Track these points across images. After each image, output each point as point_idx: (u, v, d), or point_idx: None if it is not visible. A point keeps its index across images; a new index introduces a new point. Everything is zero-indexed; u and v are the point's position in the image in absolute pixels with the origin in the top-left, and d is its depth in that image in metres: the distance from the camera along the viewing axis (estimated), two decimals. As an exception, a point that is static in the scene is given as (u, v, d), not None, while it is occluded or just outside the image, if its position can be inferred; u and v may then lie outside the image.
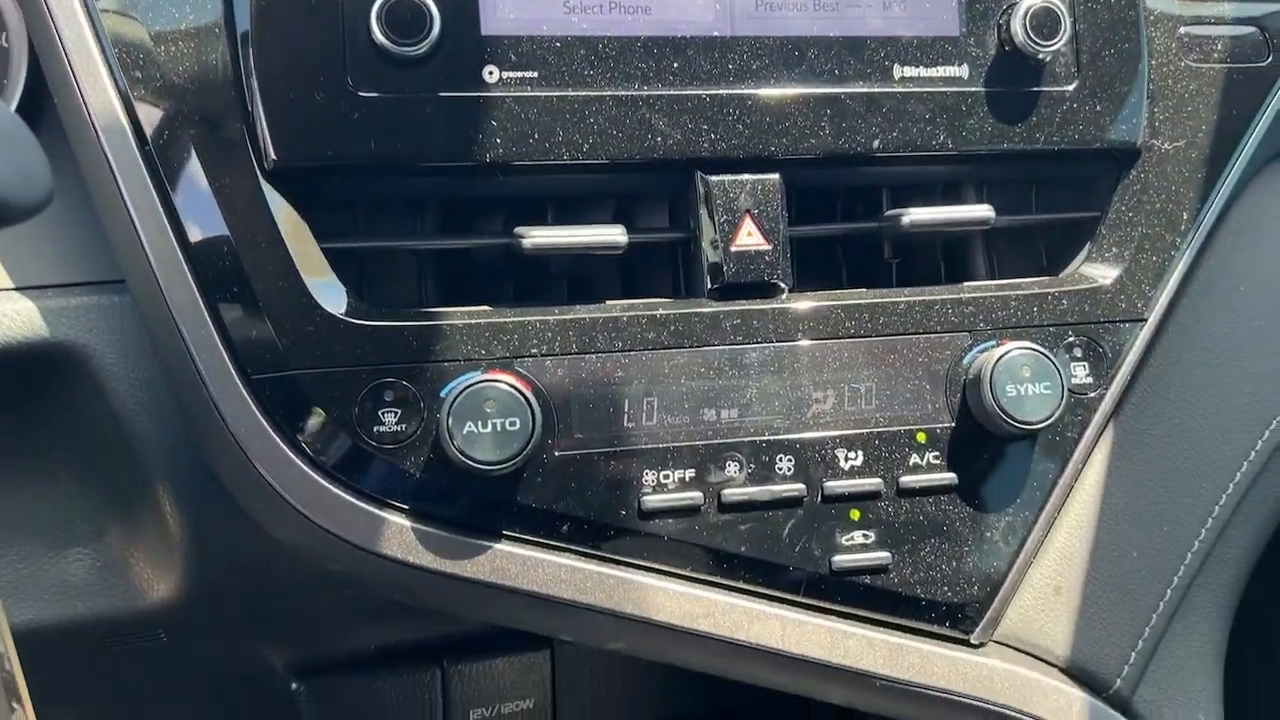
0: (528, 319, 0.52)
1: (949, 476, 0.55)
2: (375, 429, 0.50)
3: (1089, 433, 0.58)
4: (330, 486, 0.50)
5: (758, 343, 0.54)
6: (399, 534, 0.50)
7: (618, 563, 0.52)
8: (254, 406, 0.50)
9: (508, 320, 0.52)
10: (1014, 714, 0.55)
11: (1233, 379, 0.62)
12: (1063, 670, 0.57)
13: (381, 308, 0.52)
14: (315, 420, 0.50)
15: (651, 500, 0.52)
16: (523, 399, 0.50)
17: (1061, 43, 0.57)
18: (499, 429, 0.49)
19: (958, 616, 0.55)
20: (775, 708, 0.78)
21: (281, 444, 0.50)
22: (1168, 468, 0.60)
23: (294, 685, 0.66)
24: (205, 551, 0.56)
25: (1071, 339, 0.58)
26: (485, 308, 0.53)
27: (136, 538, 0.57)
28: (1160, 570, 0.59)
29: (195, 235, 0.50)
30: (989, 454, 0.56)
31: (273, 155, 0.49)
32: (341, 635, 0.66)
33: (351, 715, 0.67)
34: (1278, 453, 0.62)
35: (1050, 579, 0.58)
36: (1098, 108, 0.58)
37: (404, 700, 0.68)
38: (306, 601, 0.62)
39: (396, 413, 0.50)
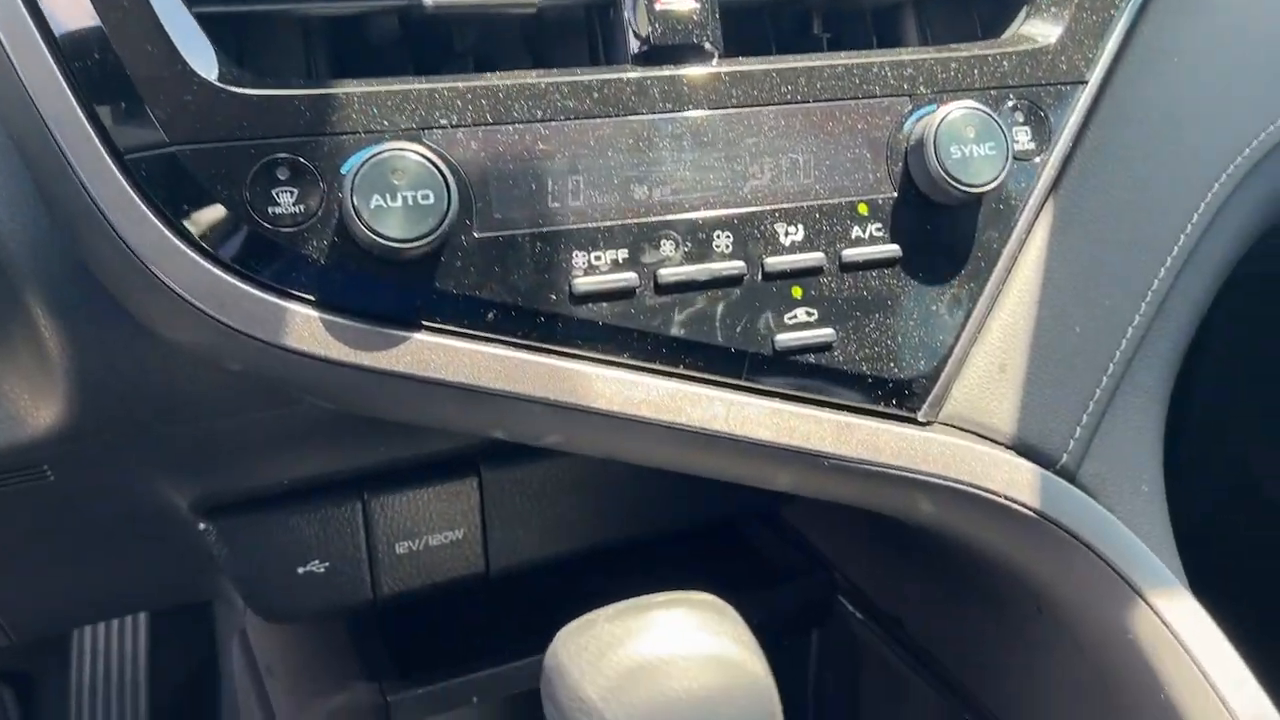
0: (436, 86, 0.47)
1: (892, 248, 0.52)
2: (270, 210, 0.45)
3: (1032, 201, 0.55)
4: (226, 277, 0.45)
5: (688, 110, 0.50)
6: (308, 326, 0.45)
7: (550, 351, 0.48)
8: (131, 190, 0.44)
9: (413, 88, 0.47)
10: (965, 488, 0.53)
11: (1170, 151, 0.60)
12: (1009, 448, 0.55)
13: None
14: (201, 203, 0.44)
15: (583, 283, 0.48)
16: (435, 170, 0.45)
17: None
18: (410, 202, 0.44)
19: (904, 394, 0.53)
20: (708, 533, 0.77)
21: (167, 232, 0.44)
22: (1108, 241, 0.58)
23: (202, 526, 0.61)
24: (89, 371, 0.50)
25: (1013, 102, 0.55)
26: (386, 79, 0.48)
27: (8, 360, 0.51)
28: (1102, 345, 0.58)
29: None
30: (932, 224, 0.53)
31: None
32: (251, 468, 0.61)
33: (267, 556, 0.63)
34: (1213, 227, 0.61)
35: (994, 357, 0.56)
36: None
37: (323, 537, 0.64)
38: (210, 428, 0.56)
39: (293, 192, 0.45)
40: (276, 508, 0.63)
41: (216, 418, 0.56)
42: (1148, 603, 0.53)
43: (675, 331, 0.50)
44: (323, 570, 0.65)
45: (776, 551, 0.77)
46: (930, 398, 0.54)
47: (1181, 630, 0.52)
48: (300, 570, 0.64)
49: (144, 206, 0.44)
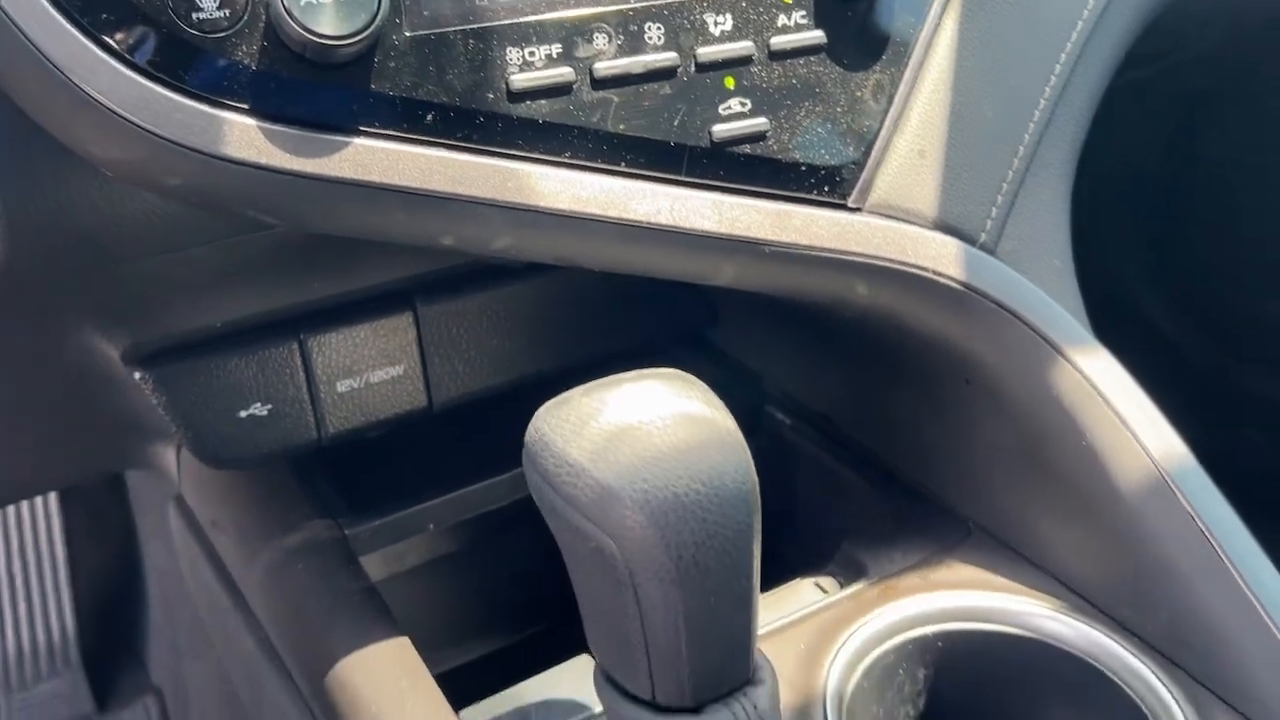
0: (353, -123, 0.45)
1: (817, 34, 0.53)
2: (194, 15, 0.43)
3: (944, -9, 0.57)
4: (156, 88, 0.43)
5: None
6: (245, 133, 0.44)
7: (493, 153, 0.48)
8: (47, 3, 0.42)
9: (329, -121, 0.45)
10: (896, 266, 0.56)
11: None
12: (933, 228, 0.58)
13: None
14: (123, 11, 0.42)
15: (519, 80, 0.48)
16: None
17: None
18: (342, 3, 0.43)
19: (835, 180, 0.55)
20: (646, 352, 0.78)
21: (90, 44, 0.42)
22: (1013, 26, 0.61)
23: (137, 375, 0.60)
24: (11, 209, 0.48)
25: (925, -116, 0.56)
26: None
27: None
28: (1012, 126, 0.60)
29: None
30: (853, 10, 0.54)
31: None
32: (184, 311, 0.60)
33: (207, 401, 0.62)
34: (1108, 12, 0.64)
35: (914, 143, 0.58)
36: None
37: (263, 378, 0.63)
38: (140, 269, 0.55)
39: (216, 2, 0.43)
40: (212, 352, 0.62)
41: (145, 256, 0.54)
42: (1068, 360, 0.57)
43: (614, 127, 0.50)
44: (265, 413, 0.64)
45: (705, 370, 0.79)
46: (859, 184, 0.56)
47: (1099, 381, 0.56)
48: (242, 414, 0.64)
49: (62, 19, 0.42)
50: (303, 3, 0.43)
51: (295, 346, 0.64)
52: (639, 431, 0.40)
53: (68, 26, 0.42)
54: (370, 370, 0.67)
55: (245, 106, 0.45)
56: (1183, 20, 0.82)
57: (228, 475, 0.70)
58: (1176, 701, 0.53)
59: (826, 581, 0.62)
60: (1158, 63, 1.04)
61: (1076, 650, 0.56)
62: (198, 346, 0.62)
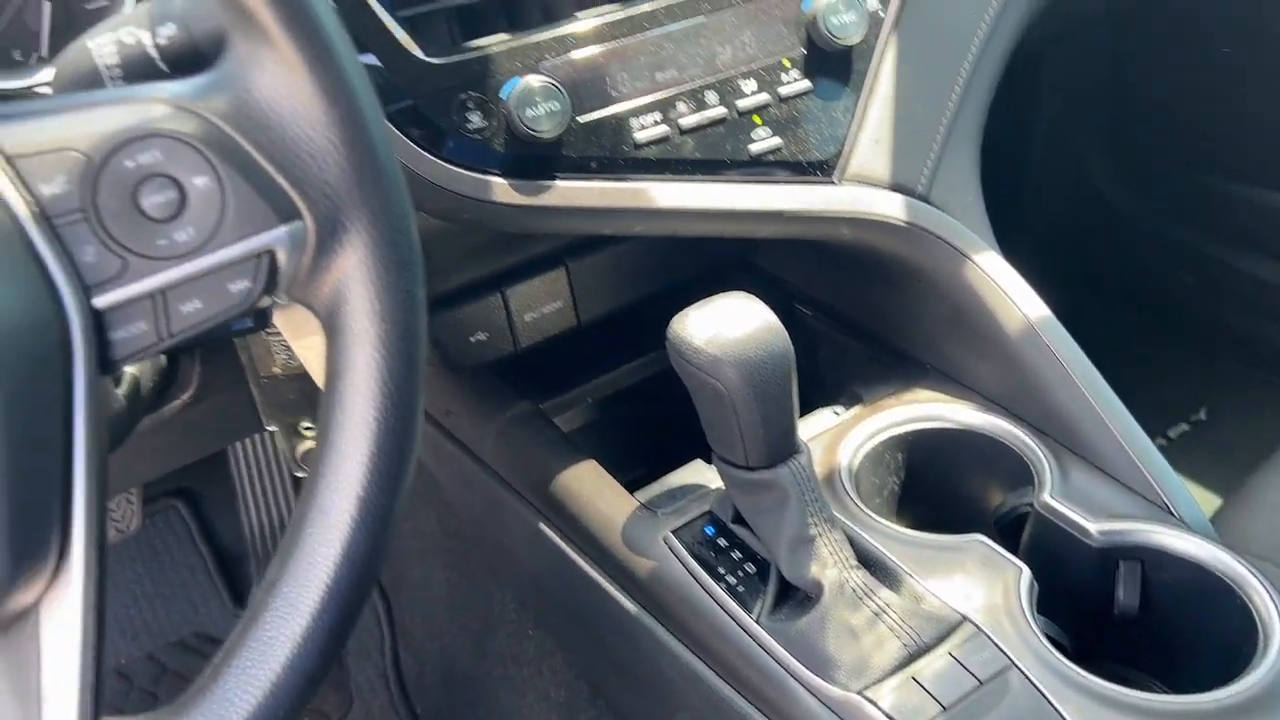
0: (540, 37, 0.82)
1: (807, 84, 0.89)
2: (469, 125, 0.80)
3: (882, 36, 0.92)
4: (453, 167, 0.80)
5: (678, 22, 0.86)
6: (500, 187, 0.82)
7: (628, 178, 0.85)
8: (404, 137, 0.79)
9: (528, 41, 0.82)
10: (866, 216, 0.93)
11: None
12: (888, 188, 0.94)
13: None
14: (433, 128, 0.80)
15: (639, 136, 0.85)
16: (557, 88, 0.80)
17: None
18: (548, 111, 0.80)
19: (823, 167, 0.91)
20: (714, 273, 1.15)
21: (421, 150, 0.79)
22: (930, 48, 0.96)
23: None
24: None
25: (859, -18, 0.91)
26: (505, 35, 0.83)
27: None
28: (935, 112, 0.96)
29: None
30: (829, 66, 0.90)
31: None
32: (440, 279, 0.98)
33: (450, 332, 1.01)
34: (994, 32, 0.99)
35: (872, 135, 0.94)
36: None
37: (482, 316, 1.01)
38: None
39: (479, 113, 0.80)
40: (454, 302, 1.01)
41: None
42: (974, 262, 0.94)
43: (692, 155, 0.87)
44: (484, 338, 1.03)
45: (753, 283, 1.17)
46: (838, 167, 0.92)
47: (992, 272, 0.94)
48: (471, 339, 1.03)
49: (404, 138, 0.79)
50: (529, 115, 0.80)
51: (499, 296, 1.03)
52: (727, 327, 0.78)
53: (408, 142, 0.79)
54: (542, 305, 1.06)
55: (498, 171, 0.82)
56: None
57: (456, 378, 1.09)
58: (1044, 454, 0.92)
59: (838, 408, 1.01)
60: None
61: (987, 432, 0.95)
62: (446, 299, 1.00)
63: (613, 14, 0.84)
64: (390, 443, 0.56)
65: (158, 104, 0.50)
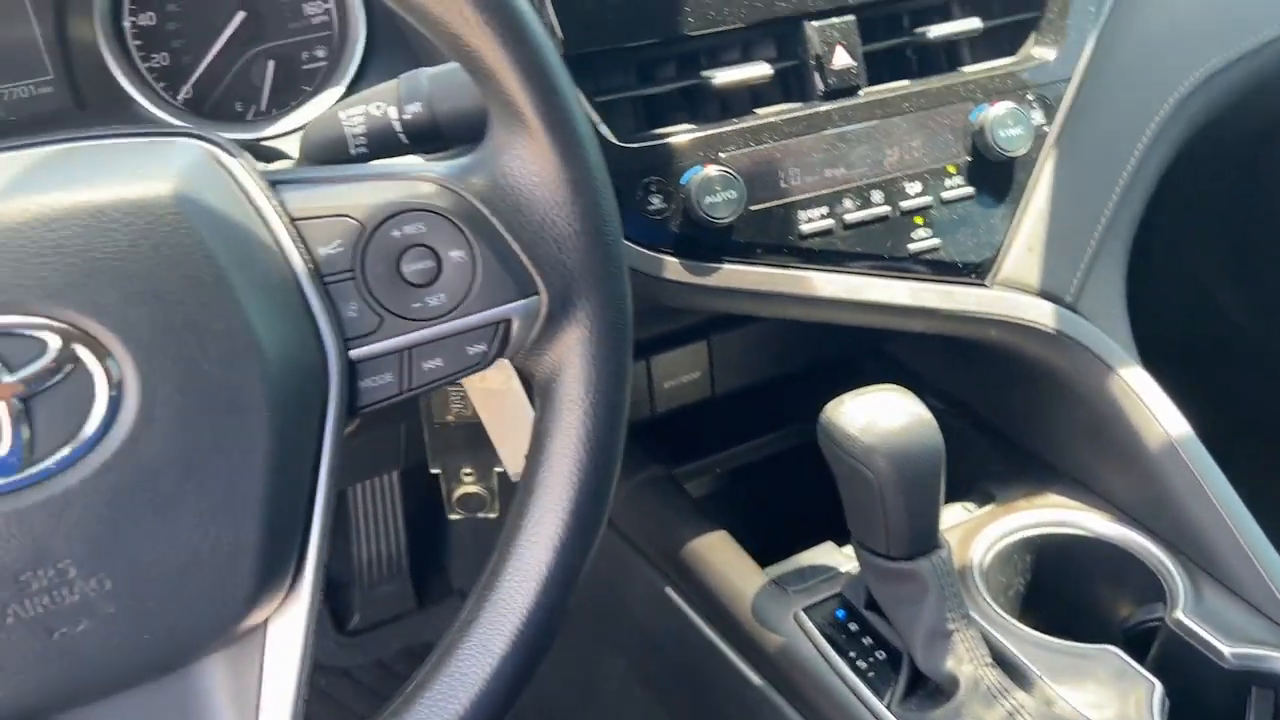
0: (722, 130, 0.87)
1: (970, 190, 0.93)
2: (649, 207, 0.85)
3: (1044, 153, 0.96)
4: (630, 243, 0.85)
5: (852, 124, 0.90)
6: (673, 265, 0.86)
7: (791, 266, 0.89)
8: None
9: (711, 132, 0.86)
10: (1014, 320, 0.95)
11: (1124, 102, 0.99)
12: (1037, 295, 0.97)
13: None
14: (619, 208, 0.85)
15: (805, 227, 0.89)
16: (734, 177, 0.85)
17: (1015, -91, 0.91)
18: (725, 199, 0.85)
19: (978, 271, 0.95)
20: (848, 359, 1.18)
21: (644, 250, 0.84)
22: (1087, 164, 0.98)
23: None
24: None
25: (1032, 97, 0.95)
26: (689, 125, 0.88)
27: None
28: (1088, 227, 0.98)
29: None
30: (991, 174, 0.93)
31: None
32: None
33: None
34: (1154, 143, 1.01)
35: (1025, 242, 0.96)
36: (1037, -53, 0.93)
37: (626, 383, 1.06)
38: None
39: (660, 196, 0.85)
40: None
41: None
42: (1116, 373, 0.96)
43: (853, 249, 0.91)
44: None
45: (886, 372, 1.20)
46: (992, 271, 0.95)
47: (1135, 385, 0.95)
48: (613, 403, 1.07)
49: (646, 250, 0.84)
50: (706, 201, 0.85)
51: (644, 363, 1.07)
52: (882, 418, 0.81)
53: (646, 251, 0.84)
54: (682, 374, 1.10)
55: (671, 250, 0.86)
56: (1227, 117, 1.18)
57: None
58: (1176, 571, 0.92)
59: (969, 504, 1.03)
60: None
61: (1120, 543, 0.96)
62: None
63: (791, 112, 0.89)
64: (588, 503, 0.60)
65: (425, 182, 0.56)
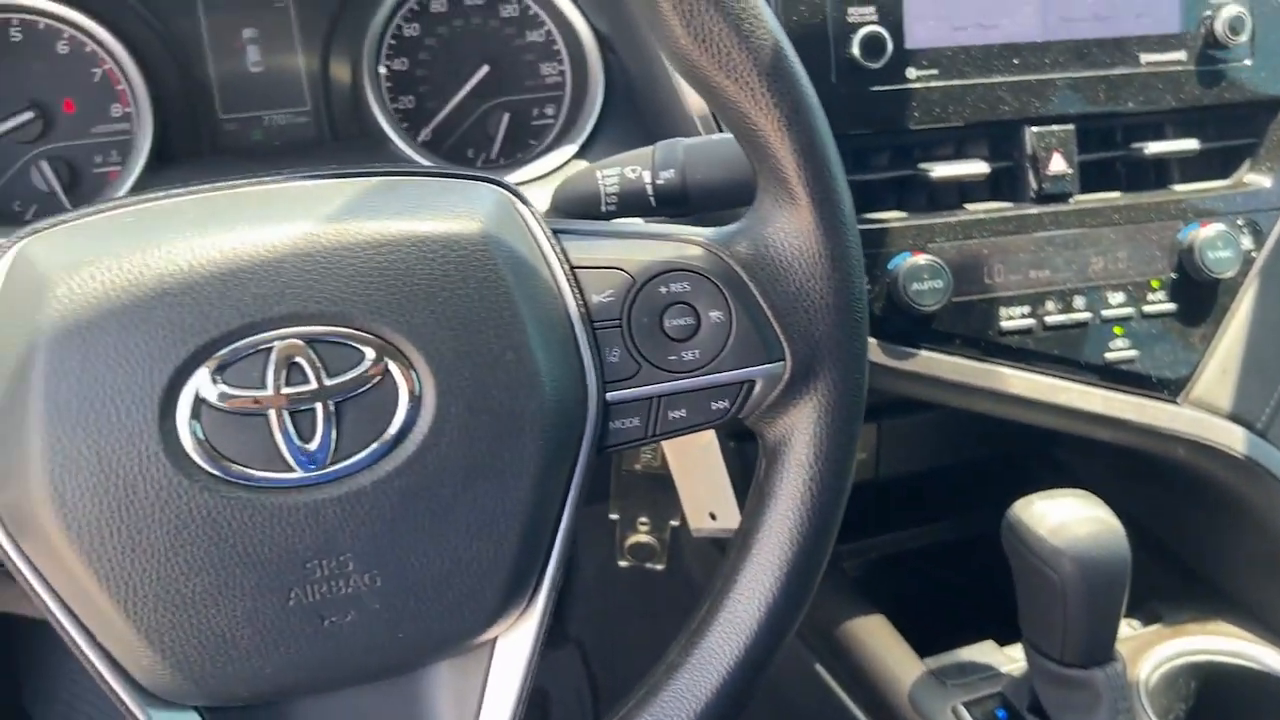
0: (934, 221, 0.89)
1: (1172, 306, 0.93)
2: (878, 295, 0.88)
3: (1249, 278, 0.95)
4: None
5: (1061, 229, 0.91)
6: (871, 347, 0.88)
7: (988, 360, 0.91)
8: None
9: (922, 222, 0.89)
10: (1203, 441, 0.95)
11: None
12: (1228, 418, 0.96)
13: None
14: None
15: (1005, 325, 0.90)
16: (942, 267, 0.87)
17: (1245, 36, 0.92)
18: (931, 288, 0.87)
19: (1171, 387, 0.94)
20: (1014, 458, 1.18)
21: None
22: (1289, 293, 0.98)
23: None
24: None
25: (1241, 222, 0.95)
26: (900, 213, 0.90)
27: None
28: (1284, 358, 0.98)
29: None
30: (1194, 293, 0.94)
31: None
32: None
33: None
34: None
35: (1220, 365, 0.96)
36: (1263, 74, 0.94)
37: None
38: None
39: (866, 278, 0.88)
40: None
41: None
42: (1307, 507, 0.94)
43: (1050, 350, 0.92)
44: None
45: (1049, 476, 1.19)
46: (1185, 389, 0.95)
47: (1326, 523, 0.93)
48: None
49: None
50: (913, 288, 0.87)
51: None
52: (1072, 523, 0.81)
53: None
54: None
55: (871, 332, 0.89)
56: None
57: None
58: (1356, 718, 0.89)
59: (1135, 621, 1.01)
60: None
61: (1295, 681, 0.93)
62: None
63: (1002, 211, 0.91)
64: (804, 566, 0.62)
65: (693, 245, 0.59)
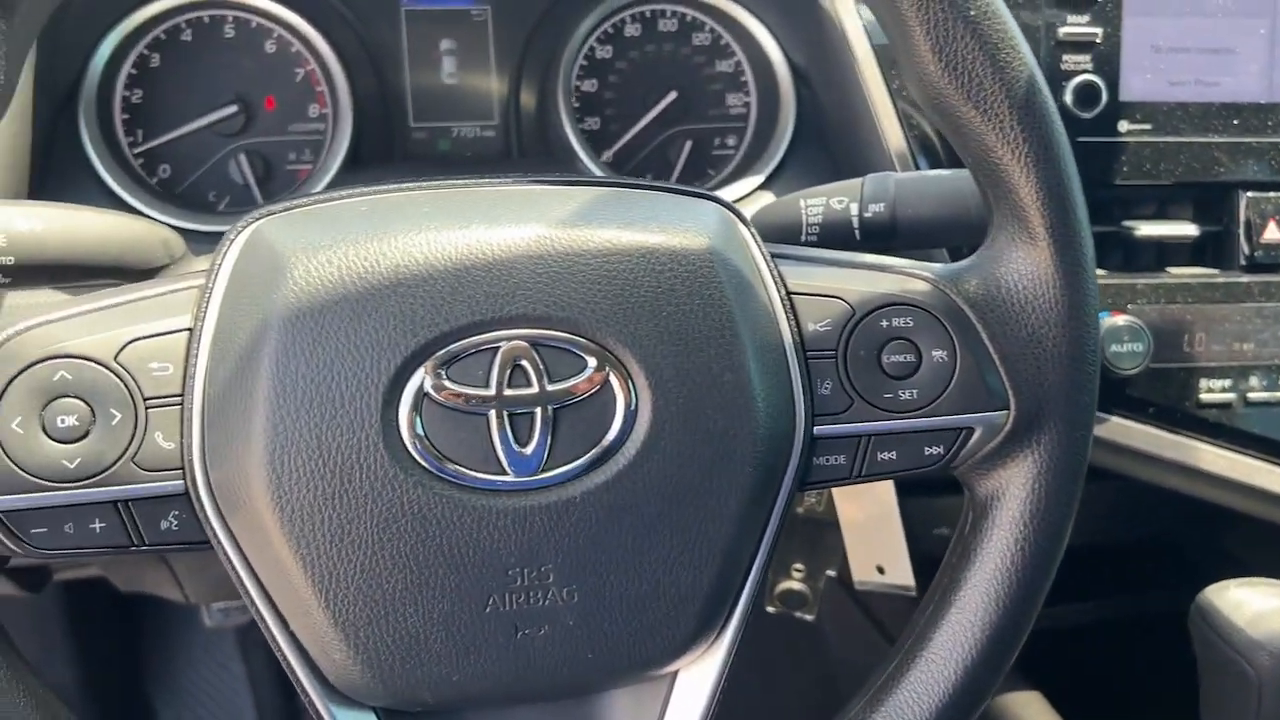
0: (1136, 281, 0.85)
1: (1384, 393, 0.87)
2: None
3: None
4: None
5: (1272, 301, 0.86)
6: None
7: (1182, 434, 0.86)
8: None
9: (1125, 281, 0.85)
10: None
11: None
12: None
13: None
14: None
15: (1205, 397, 0.85)
16: (1142, 329, 0.82)
17: None
18: (1130, 350, 0.82)
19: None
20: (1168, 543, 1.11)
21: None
22: None
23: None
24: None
25: None
26: (1102, 270, 0.86)
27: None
28: None
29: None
30: None
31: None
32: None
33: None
34: None
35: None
36: None
37: (953, 513, 1.04)
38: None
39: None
40: (928, 492, 1.03)
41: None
42: None
43: (1253, 429, 0.86)
44: (945, 531, 1.05)
45: (1212, 562, 1.12)
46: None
47: None
48: (934, 531, 1.04)
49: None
50: (1112, 350, 0.82)
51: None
52: (1270, 611, 0.75)
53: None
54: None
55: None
56: None
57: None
58: None
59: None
60: None
61: None
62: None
63: (1210, 277, 0.86)
64: (1008, 631, 0.58)
65: (920, 280, 0.56)
